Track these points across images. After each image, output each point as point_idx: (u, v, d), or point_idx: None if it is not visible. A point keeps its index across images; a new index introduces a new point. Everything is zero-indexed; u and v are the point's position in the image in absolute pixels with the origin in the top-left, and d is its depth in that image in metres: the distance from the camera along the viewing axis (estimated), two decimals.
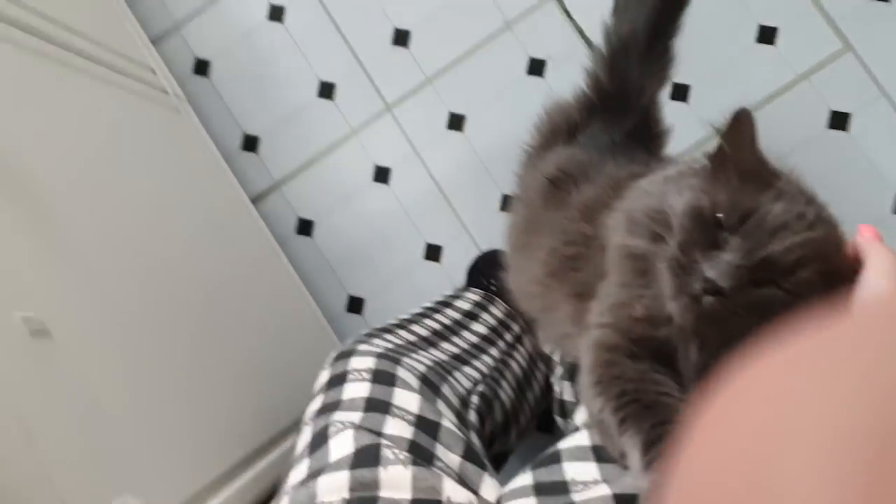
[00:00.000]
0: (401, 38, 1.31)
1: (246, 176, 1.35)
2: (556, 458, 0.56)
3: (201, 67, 1.36)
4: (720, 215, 0.48)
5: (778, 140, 1.21)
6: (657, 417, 0.49)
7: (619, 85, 0.85)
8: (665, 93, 0.90)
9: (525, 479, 0.53)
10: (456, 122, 1.30)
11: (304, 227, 1.34)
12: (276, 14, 1.33)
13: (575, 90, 0.91)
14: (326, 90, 1.33)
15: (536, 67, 1.27)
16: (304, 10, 1.33)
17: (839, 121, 1.21)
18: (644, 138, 0.86)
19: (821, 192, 0.53)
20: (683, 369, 0.55)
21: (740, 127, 0.51)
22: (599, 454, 0.55)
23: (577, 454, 0.56)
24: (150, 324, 0.77)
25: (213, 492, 0.74)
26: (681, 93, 1.23)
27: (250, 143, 1.36)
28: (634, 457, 0.48)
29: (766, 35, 1.22)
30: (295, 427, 0.97)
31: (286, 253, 1.30)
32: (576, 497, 0.48)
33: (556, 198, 0.77)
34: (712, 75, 1.22)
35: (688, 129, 1.13)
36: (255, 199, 1.35)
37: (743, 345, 0.51)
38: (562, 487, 0.51)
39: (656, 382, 0.53)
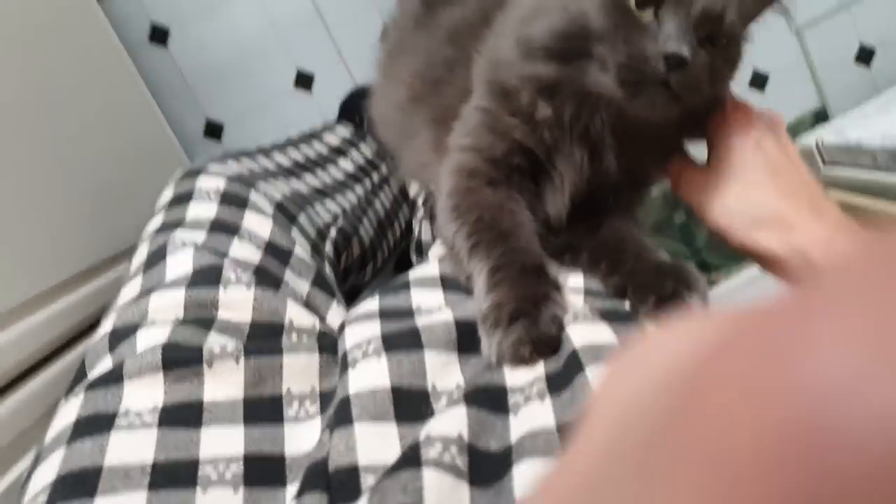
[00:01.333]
0: None
1: None
2: (404, 286, 0.55)
3: None
4: None
5: None
6: (508, 245, 0.50)
7: None
8: None
9: (371, 304, 0.53)
10: None
11: (159, 35, 1.19)
12: None
13: None
14: None
15: None
16: None
17: None
18: None
19: None
20: (558, 180, 0.56)
21: None
22: (446, 283, 0.55)
23: (426, 283, 0.56)
24: None
25: (39, 306, 0.68)
26: None
27: None
28: (480, 281, 0.49)
29: None
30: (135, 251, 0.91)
31: (136, 62, 1.15)
32: (419, 322, 0.48)
33: (427, 20, 0.73)
34: None
35: None
36: None
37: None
38: (407, 312, 0.51)
39: (513, 213, 0.54)
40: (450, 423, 0.39)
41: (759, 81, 1.28)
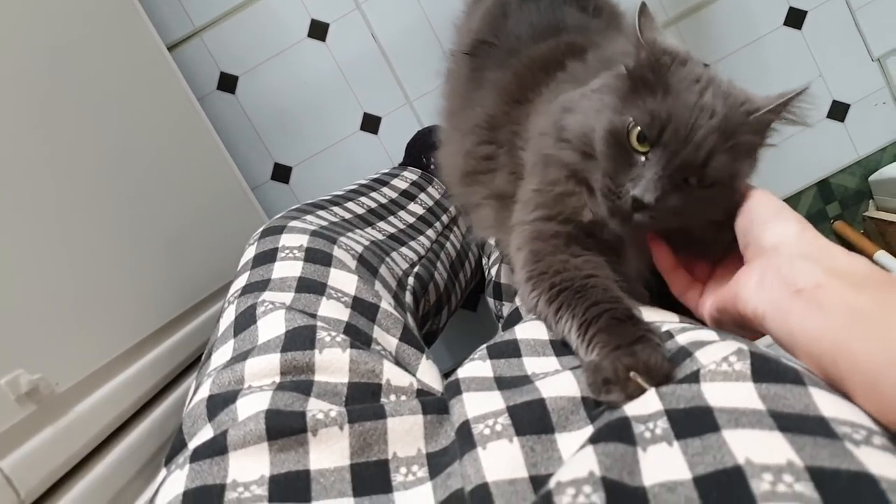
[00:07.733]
0: None
1: (161, 19, 1.19)
2: (514, 351, 0.53)
3: None
4: (641, 129, 0.51)
5: None
6: (591, 300, 0.51)
7: None
8: None
9: (483, 368, 0.51)
10: None
11: (227, 83, 1.21)
12: None
13: None
14: None
15: None
16: None
17: None
18: None
19: None
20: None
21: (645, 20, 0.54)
22: (557, 348, 0.53)
23: (537, 348, 0.54)
24: (46, 183, 0.67)
25: (123, 365, 0.68)
26: None
27: None
28: (575, 341, 0.50)
29: None
30: (213, 299, 0.91)
31: (205, 109, 1.17)
32: (543, 391, 0.45)
33: (476, 74, 0.75)
34: None
35: None
36: (172, 47, 1.20)
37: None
38: (524, 380, 0.49)
39: (578, 268, 0.55)
40: (577, 465, 0.36)
41: (839, 113, 1.24)
